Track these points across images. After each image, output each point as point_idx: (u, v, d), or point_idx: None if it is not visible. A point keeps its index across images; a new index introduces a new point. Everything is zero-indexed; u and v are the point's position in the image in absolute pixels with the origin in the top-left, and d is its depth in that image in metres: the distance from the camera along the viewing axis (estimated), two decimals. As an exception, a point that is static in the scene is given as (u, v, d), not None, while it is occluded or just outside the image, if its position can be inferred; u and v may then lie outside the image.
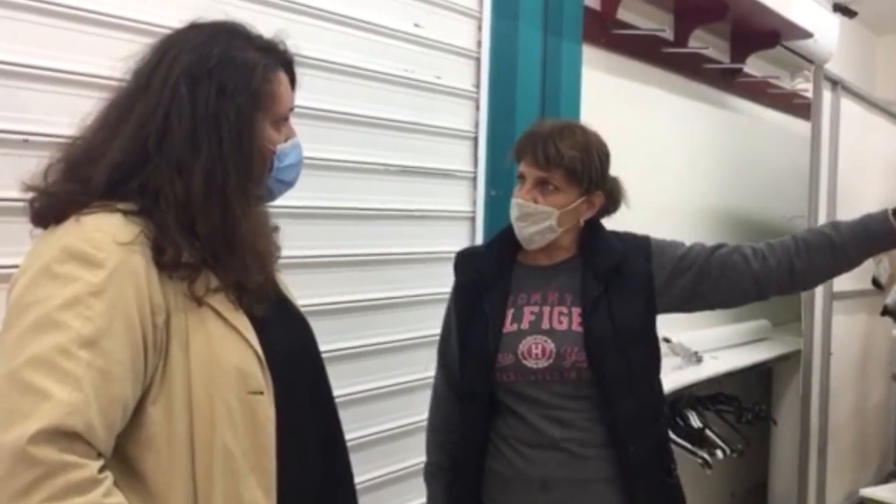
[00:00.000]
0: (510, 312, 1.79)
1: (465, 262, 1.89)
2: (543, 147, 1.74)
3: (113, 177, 1.17)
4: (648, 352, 1.82)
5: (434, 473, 1.96)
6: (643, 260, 1.80)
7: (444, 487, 1.92)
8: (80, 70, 1.60)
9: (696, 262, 1.79)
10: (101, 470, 1.07)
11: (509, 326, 1.78)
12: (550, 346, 1.74)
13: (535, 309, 1.79)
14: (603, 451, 1.75)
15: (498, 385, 1.78)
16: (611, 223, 1.91)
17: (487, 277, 1.83)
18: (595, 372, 1.72)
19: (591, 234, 1.84)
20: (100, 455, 1.07)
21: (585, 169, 1.75)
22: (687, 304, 1.83)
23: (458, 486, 1.86)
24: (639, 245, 1.83)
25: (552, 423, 1.74)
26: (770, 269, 1.75)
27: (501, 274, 1.84)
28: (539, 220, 1.75)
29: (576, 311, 1.76)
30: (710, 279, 1.78)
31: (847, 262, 1.78)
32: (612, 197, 1.86)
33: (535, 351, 1.74)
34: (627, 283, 1.77)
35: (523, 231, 1.78)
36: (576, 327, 1.74)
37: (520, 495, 1.78)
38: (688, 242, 1.87)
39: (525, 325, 1.77)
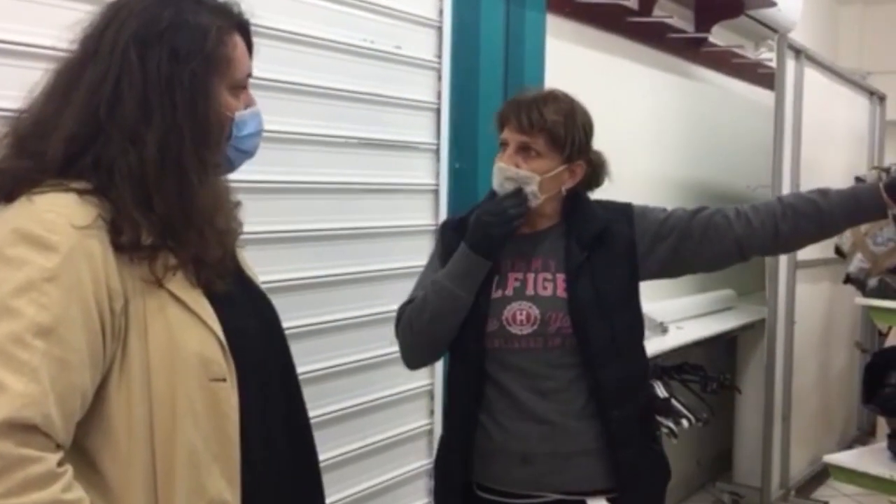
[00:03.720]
0: (494, 279, 1.79)
1: (451, 230, 1.88)
2: (527, 112, 1.74)
3: (69, 150, 1.12)
4: (632, 318, 1.83)
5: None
6: (626, 226, 1.81)
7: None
8: (20, 41, 1.53)
9: (677, 226, 1.80)
10: (61, 463, 1.03)
11: (494, 293, 1.78)
12: (535, 311, 1.74)
13: (520, 275, 1.79)
14: (585, 423, 1.75)
15: (486, 352, 1.77)
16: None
17: None
18: (579, 337, 1.73)
19: (574, 202, 1.83)
20: (58, 447, 1.04)
21: (568, 134, 1.76)
22: (670, 267, 1.83)
23: (448, 466, 1.85)
24: (621, 212, 1.84)
25: (534, 395, 1.75)
26: (753, 231, 1.76)
27: None
28: (521, 185, 1.74)
29: (560, 277, 1.77)
30: (691, 241, 1.79)
31: (833, 230, 1.83)
32: (595, 171, 1.85)
33: (520, 317, 1.75)
34: (611, 249, 1.78)
35: None
36: (560, 293, 1.76)
37: (501, 469, 1.78)
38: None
39: (509, 292, 1.78)
